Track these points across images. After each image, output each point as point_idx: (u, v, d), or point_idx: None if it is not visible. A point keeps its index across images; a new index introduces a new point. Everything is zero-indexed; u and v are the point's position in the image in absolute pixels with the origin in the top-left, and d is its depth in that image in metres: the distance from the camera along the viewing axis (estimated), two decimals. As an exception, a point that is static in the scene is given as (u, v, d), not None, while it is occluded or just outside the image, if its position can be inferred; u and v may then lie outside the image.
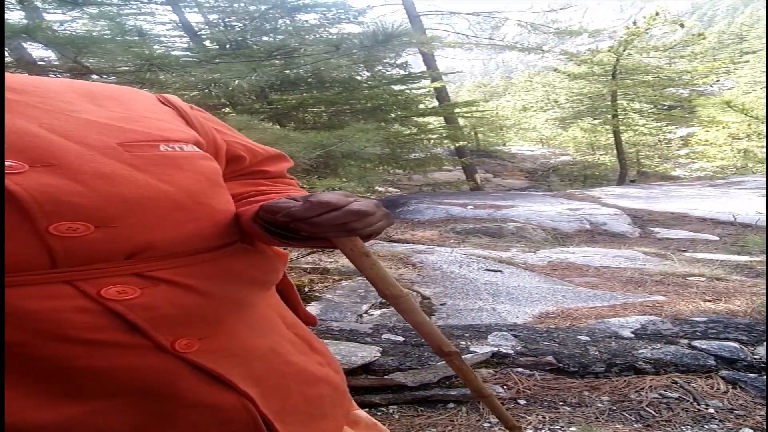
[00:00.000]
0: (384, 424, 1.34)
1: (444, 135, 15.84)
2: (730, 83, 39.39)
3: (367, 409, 2.06)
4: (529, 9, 21.89)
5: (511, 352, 2.93)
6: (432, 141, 15.52)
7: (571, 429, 2.17)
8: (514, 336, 3.18)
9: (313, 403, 0.99)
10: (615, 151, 22.82)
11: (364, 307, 4.08)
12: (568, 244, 7.97)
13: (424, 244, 7.57)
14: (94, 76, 4.59)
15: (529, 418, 2.28)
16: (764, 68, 37.60)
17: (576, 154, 27.90)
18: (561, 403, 2.39)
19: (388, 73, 14.27)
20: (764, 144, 22.79)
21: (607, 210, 10.62)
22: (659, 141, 27.78)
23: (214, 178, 0.88)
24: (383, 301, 4.23)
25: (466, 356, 2.86)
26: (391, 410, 2.42)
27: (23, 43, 4.52)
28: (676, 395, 2.36)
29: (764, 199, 10.97)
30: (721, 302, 3.97)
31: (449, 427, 2.23)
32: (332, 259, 5.64)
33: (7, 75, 0.81)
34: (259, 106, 9.96)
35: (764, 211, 8.28)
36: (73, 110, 0.80)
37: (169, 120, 0.90)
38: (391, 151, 12.64)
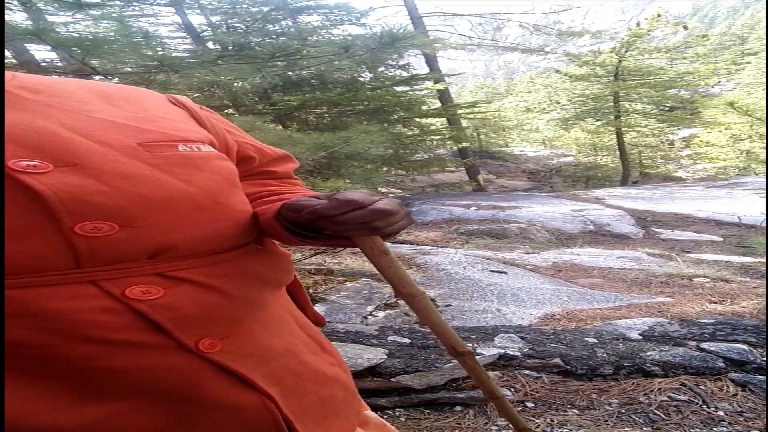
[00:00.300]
0: (392, 428, 1.33)
1: (447, 136, 15.87)
2: (732, 84, 39.39)
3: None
4: (531, 10, 21.88)
5: (518, 354, 2.91)
6: (435, 142, 15.56)
7: (579, 432, 2.16)
8: (521, 338, 3.16)
9: (327, 403, 0.99)
10: (617, 152, 22.82)
11: (369, 308, 4.07)
12: (572, 245, 7.95)
13: (427, 245, 7.56)
14: (97, 77, 4.58)
15: (537, 421, 2.26)
16: (765, 70, 37.64)
17: (578, 155, 27.88)
18: (569, 406, 2.37)
19: (390, 74, 14.28)
20: (765, 145, 22.78)
21: (610, 211, 10.60)
22: (661, 142, 27.78)
23: (231, 178, 0.88)
24: (388, 302, 4.23)
25: (472, 358, 2.85)
26: (397, 413, 2.40)
27: (26, 45, 4.52)
28: (685, 398, 2.34)
29: (767, 200, 10.95)
30: (727, 303, 3.95)
31: (456, 430, 2.22)
32: (336, 261, 5.63)
33: (22, 75, 0.81)
34: (261, 107, 9.97)
35: (767, 213, 8.26)
36: (90, 110, 0.79)
37: (183, 120, 0.90)
38: (394, 152, 12.69)
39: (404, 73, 14.39)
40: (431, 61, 16.89)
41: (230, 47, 9.91)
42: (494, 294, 4.52)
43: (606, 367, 2.72)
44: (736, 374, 2.54)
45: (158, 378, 0.74)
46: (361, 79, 13.01)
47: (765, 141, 22.42)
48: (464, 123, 19.28)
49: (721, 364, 2.66)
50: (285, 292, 1.07)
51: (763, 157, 23.48)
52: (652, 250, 7.08)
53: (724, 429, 2.11)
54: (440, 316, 0.98)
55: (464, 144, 17.18)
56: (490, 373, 2.73)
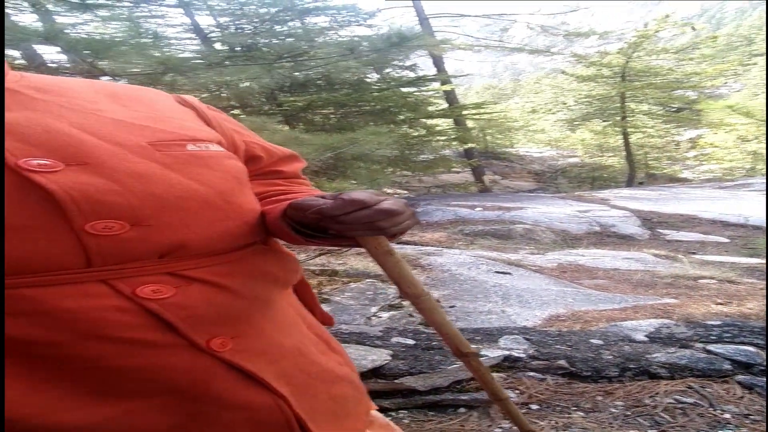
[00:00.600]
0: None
1: (452, 137, 15.88)
2: (739, 85, 39.29)
3: (378, 414, 2.04)
4: (538, 11, 21.86)
5: (523, 355, 2.90)
6: (441, 143, 15.56)
7: (584, 434, 2.15)
8: (526, 339, 3.16)
9: (338, 402, 1.00)
10: (623, 153, 22.76)
11: (373, 309, 4.07)
12: (577, 246, 7.94)
13: (432, 245, 7.56)
14: (105, 78, 4.60)
15: (542, 423, 2.25)
16: (765, 72, 37.54)
17: (584, 156, 27.80)
18: (574, 408, 2.36)
19: (397, 75, 14.30)
20: (765, 146, 22.72)
21: (616, 212, 10.57)
22: (667, 143, 27.70)
23: (241, 177, 0.89)
24: (392, 303, 4.23)
25: (477, 360, 2.84)
26: (401, 415, 2.40)
27: (33, 46, 4.53)
28: (691, 400, 2.33)
29: (767, 201, 10.91)
30: (733, 305, 3.94)
31: (460, 432, 2.21)
32: (340, 261, 5.63)
33: (31, 75, 0.82)
34: (268, 107, 10.00)
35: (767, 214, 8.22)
36: (99, 110, 0.80)
37: (191, 120, 0.90)
38: (399, 152, 12.70)
39: (411, 74, 14.40)
40: (438, 62, 16.86)
41: (238, 48, 9.94)
42: (499, 295, 4.51)
43: (611, 369, 2.71)
44: (743, 377, 2.53)
45: (171, 377, 0.75)
46: (368, 79, 13.03)
47: (765, 142, 22.38)
48: (470, 124, 19.26)
49: (727, 366, 2.65)
50: (292, 291, 1.08)
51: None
52: (657, 251, 7.06)
53: (730, 432, 2.10)
54: (445, 317, 0.99)
55: (470, 145, 17.20)
56: (495, 374, 2.73)
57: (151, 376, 0.74)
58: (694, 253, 7.08)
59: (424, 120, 14.80)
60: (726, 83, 35.67)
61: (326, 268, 5.35)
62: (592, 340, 3.10)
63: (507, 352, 2.93)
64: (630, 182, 21.09)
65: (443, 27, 19.36)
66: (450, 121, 17.28)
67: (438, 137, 15.46)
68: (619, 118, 22.37)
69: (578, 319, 3.75)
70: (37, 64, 4.55)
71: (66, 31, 4.45)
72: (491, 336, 3.27)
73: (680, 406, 2.29)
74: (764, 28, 54.39)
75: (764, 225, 8.28)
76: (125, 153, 0.74)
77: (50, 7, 5.23)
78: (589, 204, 11.83)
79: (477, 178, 18.07)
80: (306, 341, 0.98)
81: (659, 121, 24.54)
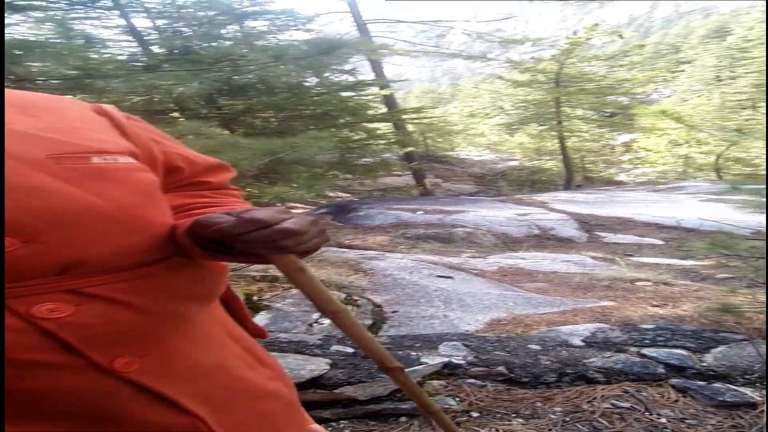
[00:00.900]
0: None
1: (393, 141, 16.02)
2: (669, 91, 40.91)
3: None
4: (473, 18, 22.25)
5: (463, 362, 2.89)
6: (381, 146, 15.70)
7: (524, 442, 2.15)
8: (465, 346, 3.15)
9: (266, 418, 0.97)
10: (561, 157, 23.32)
11: (314, 315, 4.01)
12: (518, 249, 8.04)
13: (374, 249, 7.53)
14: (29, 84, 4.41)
15: (483, 431, 2.24)
16: (699, 78, 39.32)
17: (523, 160, 28.42)
18: (514, 415, 2.36)
19: (336, 79, 14.39)
20: (702, 150, 23.68)
21: (554, 215, 10.77)
22: (603, 147, 28.60)
23: (150, 189, 0.83)
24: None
25: (417, 367, 2.82)
26: (341, 425, 2.35)
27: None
28: (628, 405, 2.35)
29: (706, 204, 11.30)
30: (669, 307, 4.03)
31: (401, 442, 2.18)
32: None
33: None
34: (207, 111, 9.85)
35: (707, 217, 8.49)
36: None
37: (103, 131, 0.85)
38: (340, 156, 12.78)
39: (350, 79, 14.53)
40: (377, 67, 17.01)
41: (176, 51, 9.74)
42: (441, 299, 4.51)
43: (549, 374, 2.72)
44: (677, 380, 2.57)
45: (75, 400, 0.72)
46: (307, 84, 13.05)
47: (703, 147, 23.30)
48: (410, 128, 19.48)
49: (661, 370, 2.69)
50: (219, 304, 1.03)
51: (701, 162, 24.38)
52: (595, 254, 7.22)
53: (667, 436, 2.13)
54: (367, 332, 0.97)
55: (410, 148, 17.41)
56: (435, 382, 2.71)
57: (56, 398, 0.71)
58: (630, 256, 7.26)
59: (364, 124, 14.91)
60: (656, 89, 37.12)
61: (267, 274, 5.25)
62: (530, 346, 3.11)
63: (446, 359, 2.92)
64: (568, 185, 21.59)
65: (381, 32, 19.48)
66: (390, 124, 17.41)
67: (378, 141, 15.58)
68: (555, 122, 22.97)
69: (519, 323, 3.77)
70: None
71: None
72: (431, 343, 3.25)
73: (617, 411, 2.31)
74: (690, 37, 57.01)
75: (696, 227, 8.57)
76: (20, 167, 0.69)
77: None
78: (529, 207, 12.02)
79: (418, 182, 18.22)
80: (231, 357, 0.95)
81: (594, 125, 25.37)
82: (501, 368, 2.80)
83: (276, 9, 12.01)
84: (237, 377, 0.93)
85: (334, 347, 3.16)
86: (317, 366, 2.82)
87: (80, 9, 8.32)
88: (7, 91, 0.85)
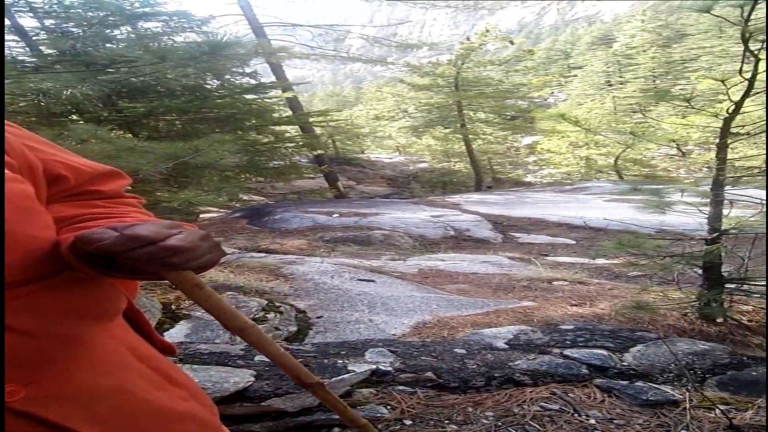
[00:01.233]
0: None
1: (301, 144, 16.07)
2: (564, 95, 42.76)
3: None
4: (369, 23, 22.60)
5: (391, 369, 2.86)
6: (290, 149, 15.75)
7: (459, 449, 2.13)
8: (392, 352, 3.12)
9: None
10: (468, 159, 23.90)
11: (236, 324, 3.88)
12: (436, 251, 8.13)
13: (293, 254, 7.42)
14: None
15: (417, 439, 2.21)
16: (590, 82, 41.35)
17: (433, 162, 28.98)
18: (446, 422, 2.34)
19: (237, 81, 14.35)
20: (601, 152, 24.81)
21: (468, 216, 10.96)
22: (508, 149, 29.55)
23: (24, 202, 0.76)
24: (255, 316, 4.05)
25: (345, 376, 2.76)
26: (271, 439, 2.27)
27: None
28: (556, 407, 2.38)
29: (610, 203, 11.78)
30: (587, 306, 4.15)
31: (334, 454, 2.13)
32: (200, 274, 5.36)
33: None
34: (108, 114, 9.53)
35: (611, 218, 8.84)
36: None
37: None
38: (250, 159, 12.77)
39: (252, 81, 14.52)
40: (277, 70, 17.04)
41: (67, 52, 9.34)
42: (364, 303, 4.48)
43: (478, 378, 2.73)
44: (600, 380, 2.63)
45: None
46: (208, 86, 12.94)
47: (602, 149, 24.37)
48: (318, 130, 19.54)
49: (585, 370, 2.75)
50: (122, 322, 0.96)
51: (601, 163, 25.52)
52: (512, 254, 7.38)
53: (597, 437, 2.16)
54: (279, 348, 0.95)
55: (319, 151, 17.53)
56: (365, 390, 2.66)
57: None
58: (545, 255, 7.47)
59: (271, 127, 15.01)
60: (552, 93, 38.75)
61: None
62: (455, 350, 3.12)
63: (374, 366, 2.88)
64: (478, 187, 22.11)
65: (278, 36, 19.44)
66: (298, 128, 17.44)
67: (287, 144, 15.65)
68: (459, 125, 23.58)
69: (445, 326, 3.79)
70: None
71: None
72: (357, 350, 3.20)
73: (547, 413, 2.34)
74: (578, 44, 59.84)
75: (603, 227, 8.90)
76: None
77: None
78: (442, 209, 12.20)
79: (331, 185, 18.26)
80: (135, 378, 0.89)
81: (496, 128, 26.26)
82: (429, 374, 2.78)
83: (169, 11, 11.97)
84: (142, 399, 0.87)
85: (258, 357, 3.06)
86: (241, 378, 2.71)
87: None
88: None
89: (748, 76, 3.39)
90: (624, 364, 2.83)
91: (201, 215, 12.49)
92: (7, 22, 9.39)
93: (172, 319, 3.84)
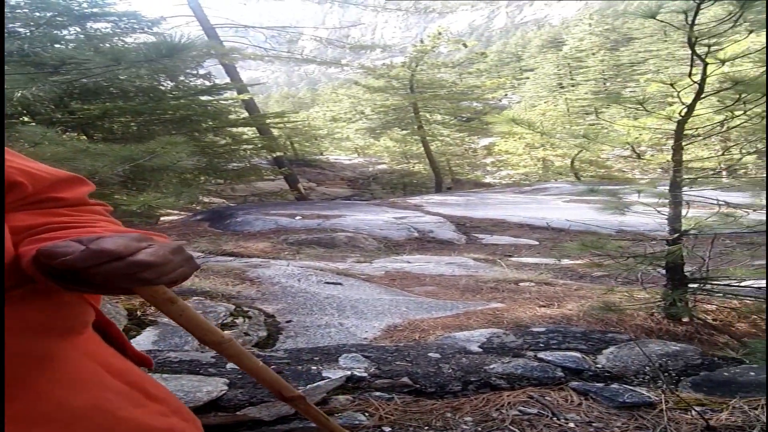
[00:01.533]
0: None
1: (259, 145, 16.03)
2: (517, 97, 43.42)
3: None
4: (321, 25, 22.65)
5: (365, 374, 2.83)
6: (248, 151, 15.71)
7: (441, 456, 2.12)
8: (365, 357, 3.09)
9: None
10: (427, 160, 24.03)
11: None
12: (401, 253, 8.13)
13: (258, 257, 7.33)
14: None
15: (397, 447, 2.20)
16: (543, 85, 42.13)
17: (392, 163, 29.08)
18: (426, 428, 2.33)
19: (192, 83, 14.24)
20: (558, 153, 25.21)
21: (430, 218, 11.01)
22: (466, 150, 29.78)
23: None
24: (224, 322, 3.98)
25: (320, 383, 2.73)
26: (249, 449, 2.23)
27: None
28: (535, 410, 2.39)
29: (569, 204, 11.95)
30: (555, 307, 4.19)
31: (314, 463, 2.10)
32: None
33: None
34: (60, 115, 9.31)
35: (572, 219, 8.97)
36: None
37: None
38: (208, 161, 12.66)
39: (206, 83, 14.44)
40: (231, 71, 17.04)
41: (15, 52, 9.09)
42: (333, 307, 4.45)
43: (454, 383, 2.72)
44: (576, 383, 2.65)
45: None
46: (162, 87, 12.80)
47: (558, 150, 24.75)
48: (275, 132, 19.47)
49: (560, 373, 2.77)
50: (93, 336, 0.92)
51: (558, 165, 25.93)
52: (477, 256, 7.42)
53: (577, 440, 2.18)
54: (257, 361, 0.92)
55: (278, 153, 17.51)
56: (341, 397, 2.64)
57: None
58: (510, 256, 7.53)
59: (229, 129, 14.98)
60: (506, 95, 39.35)
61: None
62: (430, 354, 3.11)
63: (348, 372, 2.85)
64: (438, 188, 22.24)
65: (230, 37, 19.33)
66: (255, 129, 17.35)
67: (245, 146, 15.60)
68: (416, 126, 23.72)
69: (416, 329, 3.78)
70: None
71: None
72: (330, 355, 3.16)
73: (526, 417, 2.34)
74: (528, 47, 60.87)
75: (565, 227, 9.03)
76: None
77: None
78: (405, 210, 12.22)
79: (292, 186, 18.19)
80: (110, 395, 0.85)
81: (453, 129, 26.48)
82: (405, 379, 2.77)
83: (118, 11, 11.86)
84: (119, 418, 0.83)
85: (230, 365, 3.00)
86: (214, 387, 2.65)
87: None
88: None
89: (697, 78, 3.47)
90: (598, 366, 2.86)
91: (161, 218, 12.29)
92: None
93: (138, 325, 3.75)
